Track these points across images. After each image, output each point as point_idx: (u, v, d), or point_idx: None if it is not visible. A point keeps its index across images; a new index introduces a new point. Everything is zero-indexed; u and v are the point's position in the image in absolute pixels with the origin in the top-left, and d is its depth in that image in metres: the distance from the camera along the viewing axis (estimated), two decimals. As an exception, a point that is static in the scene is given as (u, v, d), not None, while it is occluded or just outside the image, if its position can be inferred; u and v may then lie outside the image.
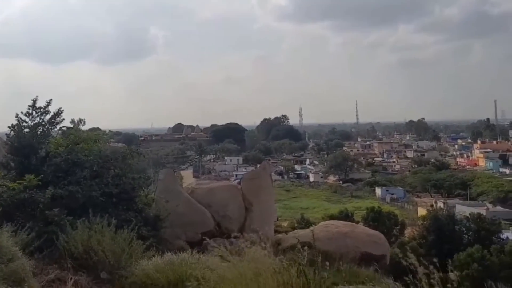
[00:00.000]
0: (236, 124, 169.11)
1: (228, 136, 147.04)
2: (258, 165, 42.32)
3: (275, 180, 66.19)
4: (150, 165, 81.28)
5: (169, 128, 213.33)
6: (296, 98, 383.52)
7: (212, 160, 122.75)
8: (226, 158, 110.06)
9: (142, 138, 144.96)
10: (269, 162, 55.66)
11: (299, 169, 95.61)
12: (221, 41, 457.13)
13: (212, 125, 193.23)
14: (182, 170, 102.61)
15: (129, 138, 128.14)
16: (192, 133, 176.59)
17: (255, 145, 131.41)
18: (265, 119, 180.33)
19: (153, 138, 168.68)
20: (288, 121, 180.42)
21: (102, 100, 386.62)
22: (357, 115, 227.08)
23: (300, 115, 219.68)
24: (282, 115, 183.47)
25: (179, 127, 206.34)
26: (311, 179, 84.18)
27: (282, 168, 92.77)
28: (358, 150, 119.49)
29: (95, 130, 13.31)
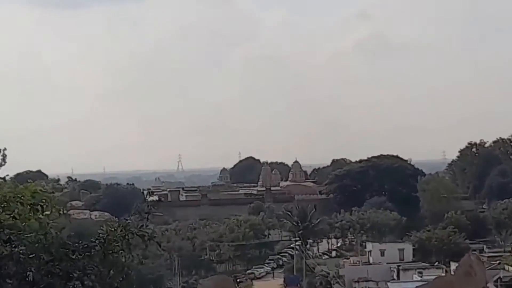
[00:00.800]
0: (397, 157, 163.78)
1: (375, 188, 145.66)
2: (453, 265, 43.23)
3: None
4: (173, 266, 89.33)
5: (224, 170, 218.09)
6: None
7: (334, 254, 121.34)
8: (369, 246, 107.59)
9: (154, 196, 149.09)
10: (480, 257, 48.15)
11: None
12: None
13: (334, 161, 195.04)
14: (258, 278, 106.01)
15: (119, 196, 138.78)
16: (284, 183, 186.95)
17: (446, 211, 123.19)
18: (470, 146, 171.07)
19: (183, 196, 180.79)
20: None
21: (49, 103, 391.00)
22: None
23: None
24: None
25: (248, 168, 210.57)
26: None
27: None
28: None
29: (32, 176, 11.05)
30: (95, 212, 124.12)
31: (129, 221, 9.35)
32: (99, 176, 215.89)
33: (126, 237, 9.11)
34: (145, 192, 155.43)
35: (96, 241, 8.95)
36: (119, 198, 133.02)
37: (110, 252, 8.94)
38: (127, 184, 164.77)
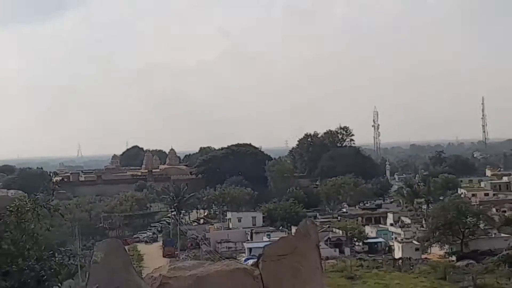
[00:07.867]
0: (250, 146, 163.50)
1: (233, 170, 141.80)
2: (294, 229, 43.87)
3: (327, 258, 66.99)
4: (74, 233, 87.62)
5: (115, 156, 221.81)
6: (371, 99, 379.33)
7: (202, 221, 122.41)
8: (229, 215, 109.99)
9: (58, 177, 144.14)
10: (314, 221, 41.92)
11: (373, 234, 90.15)
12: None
13: (202, 149, 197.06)
14: (142, 241, 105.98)
15: (30, 177, 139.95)
16: (162, 167, 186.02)
17: (288, 187, 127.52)
18: (306, 137, 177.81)
19: (82, 177, 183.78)
20: (352, 140, 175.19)
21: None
22: (484, 128, 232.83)
23: (375, 127, 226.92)
24: (341, 128, 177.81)
25: (134, 155, 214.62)
26: (397, 253, 76.82)
27: (339, 233, 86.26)
28: (487, 195, 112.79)
29: None
30: (11, 191, 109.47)
31: (38, 196, 10.10)
32: (13, 162, 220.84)
33: (36, 209, 9.94)
34: (52, 174, 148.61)
35: (10, 212, 9.86)
36: (30, 179, 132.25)
37: (22, 221, 9.78)
38: (37, 168, 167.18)
